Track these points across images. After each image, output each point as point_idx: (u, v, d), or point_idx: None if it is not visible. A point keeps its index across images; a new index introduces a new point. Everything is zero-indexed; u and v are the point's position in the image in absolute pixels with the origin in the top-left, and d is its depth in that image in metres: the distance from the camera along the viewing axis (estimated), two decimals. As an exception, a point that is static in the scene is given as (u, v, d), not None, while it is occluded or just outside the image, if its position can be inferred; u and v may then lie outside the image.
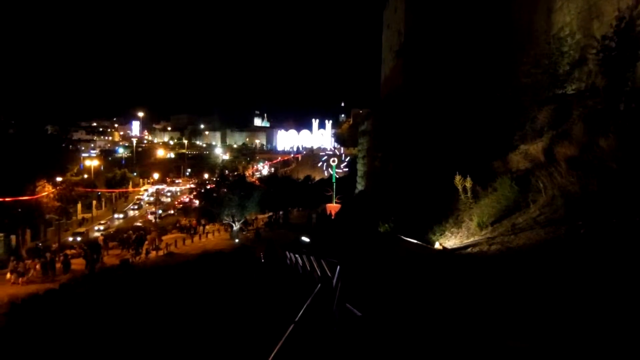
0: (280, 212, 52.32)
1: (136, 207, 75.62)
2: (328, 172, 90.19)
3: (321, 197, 46.11)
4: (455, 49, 20.60)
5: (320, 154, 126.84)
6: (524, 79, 13.59)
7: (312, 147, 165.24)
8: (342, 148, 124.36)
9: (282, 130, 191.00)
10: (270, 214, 52.91)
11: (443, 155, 17.01)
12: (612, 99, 9.55)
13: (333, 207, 36.02)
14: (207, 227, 48.58)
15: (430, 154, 18.40)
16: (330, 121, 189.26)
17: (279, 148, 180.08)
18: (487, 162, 13.28)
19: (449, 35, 20.94)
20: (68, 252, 33.81)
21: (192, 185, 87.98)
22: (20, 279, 24.91)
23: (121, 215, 65.28)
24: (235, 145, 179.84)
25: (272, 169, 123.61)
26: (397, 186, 19.33)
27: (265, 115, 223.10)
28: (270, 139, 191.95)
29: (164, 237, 41.88)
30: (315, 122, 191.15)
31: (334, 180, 42.27)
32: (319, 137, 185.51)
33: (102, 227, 54.43)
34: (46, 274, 26.20)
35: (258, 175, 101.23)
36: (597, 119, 9.44)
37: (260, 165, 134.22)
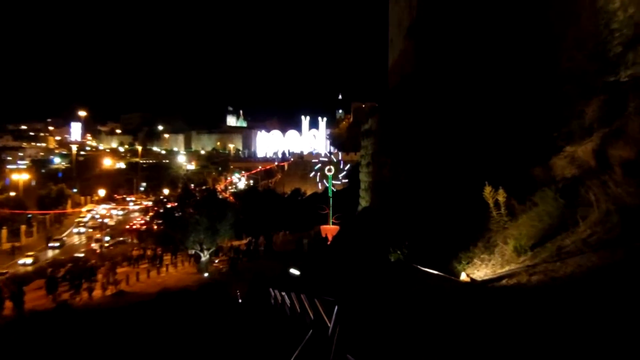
0: (262, 237, 52.33)
1: (57, 245, 68.09)
2: (323, 184, 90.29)
3: (314, 217, 46.51)
4: (480, 26, 20.71)
5: (313, 161, 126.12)
6: (566, 65, 13.62)
7: (301, 152, 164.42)
8: (340, 153, 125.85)
9: (263, 132, 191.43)
10: (249, 239, 52.94)
11: (468, 161, 17.03)
12: (678, 87, 9.62)
13: (329, 229, 36.20)
14: (169, 257, 48.48)
15: (453, 159, 18.41)
16: (325, 119, 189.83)
17: (259, 154, 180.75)
18: (524, 169, 13.25)
19: (471, 9, 21.07)
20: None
21: (149, 204, 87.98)
22: None
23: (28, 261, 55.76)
24: (203, 152, 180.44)
25: (251, 181, 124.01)
26: (412, 201, 19.40)
27: (241, 112, 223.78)
28: (247, 143, 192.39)
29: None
30: (305, 121, 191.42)
31: (330, 194, 42.80)
32: (311, 139, 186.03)
33: None
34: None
35: (233, 190, 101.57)
36: (659, 113, 9.45)
37: (235, 177, 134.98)
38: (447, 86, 20.57)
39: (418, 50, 23.44)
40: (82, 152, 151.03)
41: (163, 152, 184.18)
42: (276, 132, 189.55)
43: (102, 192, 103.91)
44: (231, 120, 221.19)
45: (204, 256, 41.42)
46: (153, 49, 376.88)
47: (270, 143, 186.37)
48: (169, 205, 53.83)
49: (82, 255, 57.47)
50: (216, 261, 45.37)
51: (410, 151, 21.69)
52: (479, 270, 12.01)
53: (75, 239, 74.77)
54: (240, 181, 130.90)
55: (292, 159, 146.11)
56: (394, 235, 17.38)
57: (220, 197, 52.84)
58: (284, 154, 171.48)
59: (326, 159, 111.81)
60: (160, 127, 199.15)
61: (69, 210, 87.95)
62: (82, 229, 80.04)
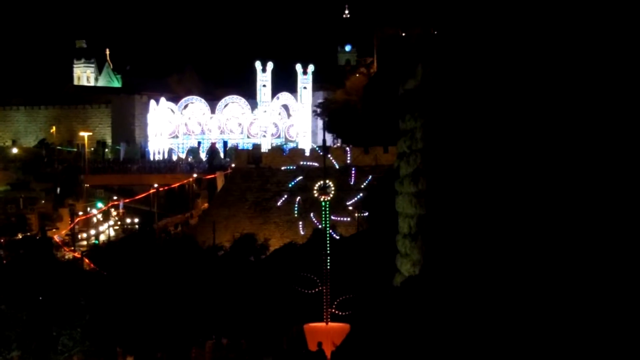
0: (162, 355, 23.18)
1: None
2: (308, 221, 40.37)
3: (290, 303, 22.16)
4: None
5: (283, 168, 54.71)
6: None
7: (256, 147, 64.35)
8: (347, 148, 55.00)
9: (163, 101, 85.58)
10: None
11: None
12: None
13: (326, 331, 18.45)
14: None
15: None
16: (311, 68, 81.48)
17: (155, 155, 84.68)
18: None
19: None
20: None
21: None
22: None
23: None
24: (16, 150, 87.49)
25: (136, 219, 63.55)
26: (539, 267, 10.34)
27: (108, 54, 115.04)
28: (125, 128, 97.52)
29: None
30: (263, 73, 78.53)
31: (327, 248, 20.69)
32: (277, 116, 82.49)
33: None
34: None
35: (92, 241, 54.78)
36: None
37: (96, 210, 64.88)
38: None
39: None
40: None
41: None
42: (196, 102, 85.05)
43: None
44: (85, 75, 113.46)
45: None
46: None
47: (180, 127, 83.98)
48: None
49: None
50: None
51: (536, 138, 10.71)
52: None
53: None
54: (110, 221, 63.53)
55: (233, 165, 62.94)
56: (487, 345, 8.88)
57: (62, 258, 31.95)
58: (213, 152, 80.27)
59: (316, 164, 46.84)
60: None
61: None
62: None
